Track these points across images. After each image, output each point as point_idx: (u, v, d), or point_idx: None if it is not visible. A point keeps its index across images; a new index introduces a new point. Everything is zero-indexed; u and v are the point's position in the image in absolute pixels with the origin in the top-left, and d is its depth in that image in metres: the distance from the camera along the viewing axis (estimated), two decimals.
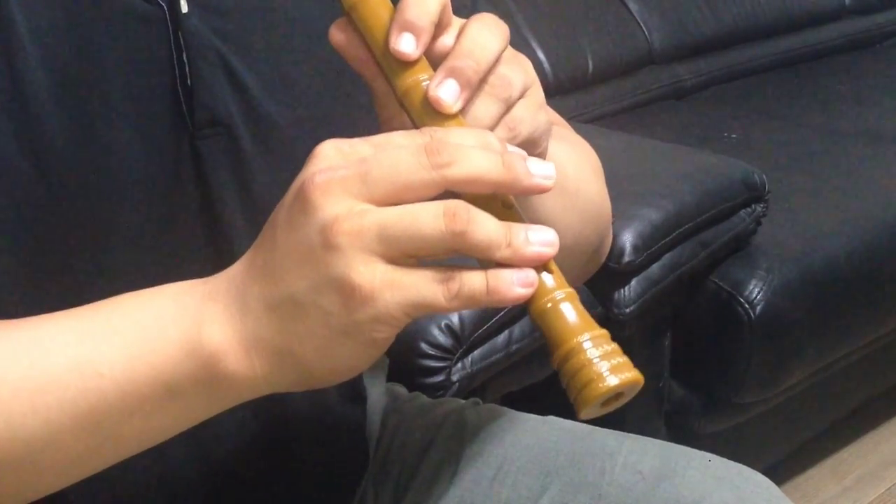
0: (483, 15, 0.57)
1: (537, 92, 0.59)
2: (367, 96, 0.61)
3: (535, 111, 0.58)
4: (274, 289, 0.52)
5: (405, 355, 1.28)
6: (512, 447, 0.82)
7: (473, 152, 0.51)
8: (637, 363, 0.52)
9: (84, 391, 0.54)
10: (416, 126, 0.55)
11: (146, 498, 0.71)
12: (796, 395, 1.76)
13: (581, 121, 2.10)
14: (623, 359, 0.52)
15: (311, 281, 0.50)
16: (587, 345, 0.51)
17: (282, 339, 0.52)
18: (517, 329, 1.38)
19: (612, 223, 0.83)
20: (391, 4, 0.57)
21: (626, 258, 1.47)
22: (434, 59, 0.57)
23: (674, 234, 1.54)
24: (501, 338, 1.38)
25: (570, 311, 0.52)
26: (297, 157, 0.54)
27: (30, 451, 0.55)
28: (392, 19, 0.56)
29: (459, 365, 1.32)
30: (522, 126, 0.57)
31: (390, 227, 0.49)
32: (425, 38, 0.56)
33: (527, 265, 0.51)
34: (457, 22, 0.58)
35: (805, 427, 1.92)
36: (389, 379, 0.95)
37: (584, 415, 0.52)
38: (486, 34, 0.56)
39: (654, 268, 1.53)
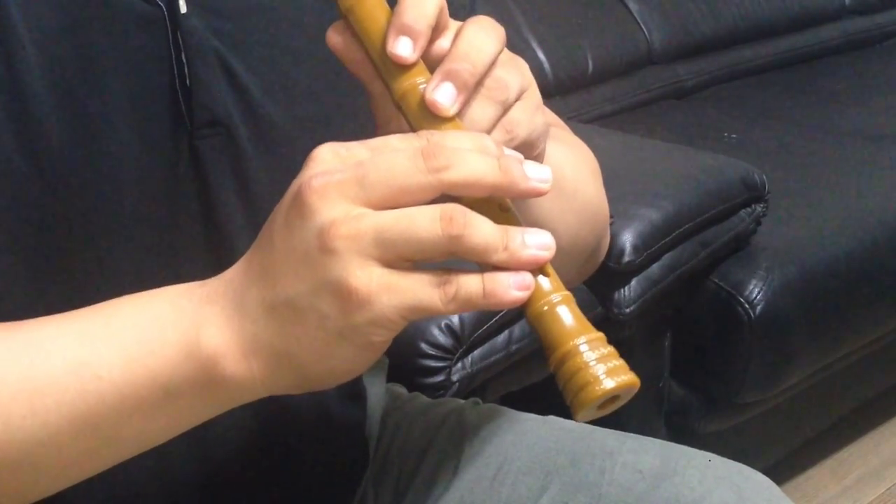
0: (479, 18, 0.57)
1: (534, 94, 0.59)
2: (366, 97, 0.61)
3: (532, 113, 0.58)
4: (271, 292, 0.52)
5: (405, 355, 1.28)
6: (512, 447, 0.82)
7: (470, 156, 0.51)
8: (637, 363, 0.52)
9: (83, 393, 0.54)
10: (412, 129, 0.56)
11: (146, 498, 0.71)
12: (796, 395, 1.77)
13: (581, 121, 2.10)
14: (619, 361, 0.52)
15: (309, 284, 0.50)
16: (583, 348, 0.51)
17: (279, 341, 0.52)
18: (517, 329, 1.39)
19: (612, 223, 0.83)
20: (388, 7, 0.57)
21: (626, 258, 1.47)
22: (431, 62, 0.57)
23: (674, 234, 1.54)
24: (501, 338, 1.38)
25: (566, 314, 0.52)
26: (296, 157, 0.54)
27: (28, 453, 0.55)
28: (389, 22, 0.56)
29: (459, 365, 1.33)
30: (520, 128, 0.57)
31: (387, 231, 0.49)
32: (422, 41, 0.56)
33: (523, 268, 0.51)
34: (453, 25, 0.58)
35: (805, 427, 1.92)
36: (389, 379, 0.95)
37: (580, 417, 0.52)
38: (482, 37, 0.56)
39: (654, 268, 1.53)
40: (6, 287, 0.62)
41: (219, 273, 0.56)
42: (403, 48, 0.55)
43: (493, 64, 0.56)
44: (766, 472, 0.78)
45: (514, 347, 1.38)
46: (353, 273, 0.49)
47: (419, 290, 0.50)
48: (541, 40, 2.17)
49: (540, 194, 0.53)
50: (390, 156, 0.51)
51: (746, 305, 1.59)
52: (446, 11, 0.57)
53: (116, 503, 0.70)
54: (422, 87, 0.55)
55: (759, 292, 1.59)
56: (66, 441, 0.55)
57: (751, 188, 1.65)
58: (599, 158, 0.81)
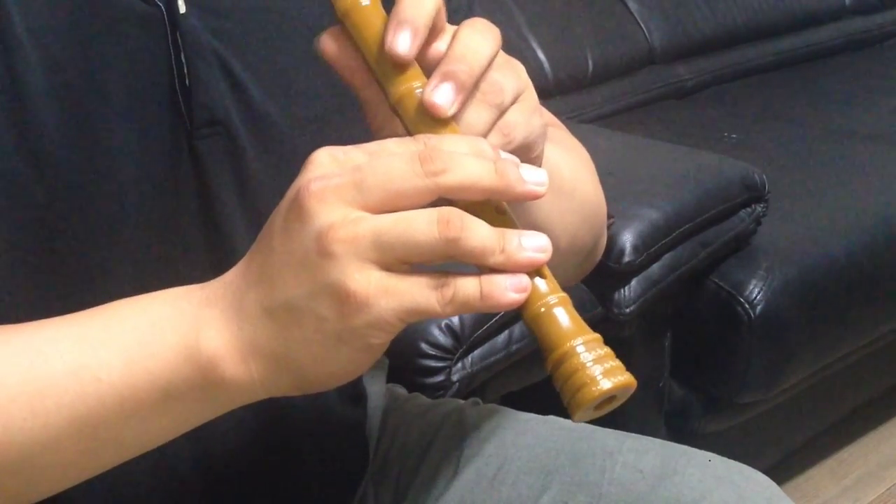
0: (475, 20, 0.57)
1: (531, 96, 0.59)
2: None
3: (528, 116, 0.58)
4: (270, 295, 0.52)
5: (405, 355, 1.28)
6: (512, 447, 0.82)
7: (466, 160, 0.51)
8: (637, 363, 0.53)
9: (82, 395, 0.54)
10: (409, 133, 0.56)
11: (146, 498, 0.72)
12: (796, 395, 1.77)
13: (581, 121, 2.10)
14: (616, 362, 0.52)
15: (307, 287, 0.51)
16: (580, 349, 0.52)
17: (278, 344, 0.52)
18: (517, 329, 1.39)
19: (612, 223, 0.84)
20: (384, 13, 0.57)
21: (626, 258, 1.47)
22: (427, 65, 0.57)
23: (674, 234, 1.54)
24: (501, 338, 1.38)
25: (563, 315, 0.52)
26: (296, 157, 0.55)
27: (28, 455, 0.55)
28: (386, 23, 0.56)
29: (459, 365, 1.33)
30: (516, 131, 0.57)
31: (384, 234, 0.49)
32: (421, 36, 0.56)
33: (520, 271, 0.51)
34: (450, 29, 0.58)
35: (805, 427, 1.92)
36: (389, 379, 0.95)
37: (578, 418, 0.52)
38: (479, 38, 0.56)
39: (654, 268, 1.53)
40: (5, 287, 0.62)
41: (218, 273, 0.56)
42: (402, 44, 0.55)
43: (489, 65, 0.56)
44: (766, 472, 0.78)
45: (514, 347, 1.38)
46: (352, 276, 0.49)
47: (417, 292, 0.50)
48: (541, 40, 2.17)
49: (536, 197, 0.53)
50: (388, 160, 0.51)
51: (746, 305, 1.59)
52: (443, 13, 0.57)
53: (117, 503, 0.70)
54: (418, 91, 0.56)
55: (759, 292, 1.59)
56: (65, 443, 0.55)
57: (751, 188, 1.65)
58: (599, 158, 0.81)
